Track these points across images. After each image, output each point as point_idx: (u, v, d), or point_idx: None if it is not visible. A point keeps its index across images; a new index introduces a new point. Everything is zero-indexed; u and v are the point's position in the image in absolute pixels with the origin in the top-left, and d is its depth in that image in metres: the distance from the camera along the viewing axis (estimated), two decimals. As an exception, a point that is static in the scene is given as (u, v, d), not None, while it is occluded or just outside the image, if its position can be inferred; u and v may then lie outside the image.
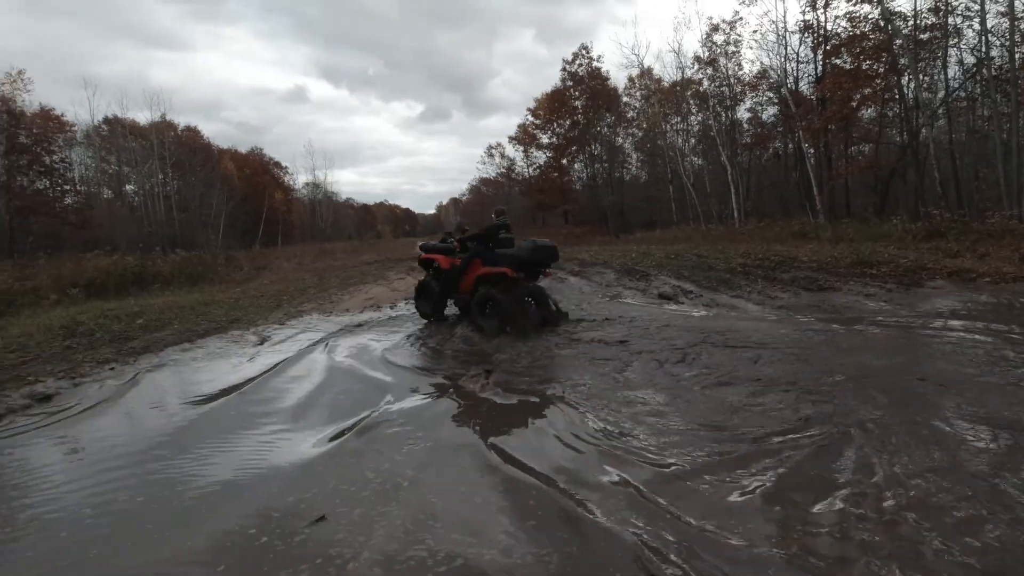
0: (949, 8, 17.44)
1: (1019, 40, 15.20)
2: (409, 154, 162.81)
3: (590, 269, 10.39)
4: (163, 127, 36.19)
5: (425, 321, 7.15)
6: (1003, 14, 15.82)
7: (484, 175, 55.91)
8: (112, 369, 5.18)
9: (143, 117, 36.59)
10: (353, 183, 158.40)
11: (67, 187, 33.84)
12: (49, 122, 32.15)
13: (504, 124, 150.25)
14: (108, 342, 6.44)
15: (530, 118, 44.69)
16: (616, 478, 2.65)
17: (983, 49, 16.41)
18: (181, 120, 45.38)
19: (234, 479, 2.85)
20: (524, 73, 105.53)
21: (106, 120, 35.04)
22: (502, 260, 6.39)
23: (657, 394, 3.84)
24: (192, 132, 43.30)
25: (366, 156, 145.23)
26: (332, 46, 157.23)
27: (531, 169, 47.23)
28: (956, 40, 18.05)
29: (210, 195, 36.91)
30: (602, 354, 4.97)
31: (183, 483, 2.83)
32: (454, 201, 78.86)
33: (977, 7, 16.23)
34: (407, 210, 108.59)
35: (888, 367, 4.18)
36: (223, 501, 2.61)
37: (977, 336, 5.06)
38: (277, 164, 55.18)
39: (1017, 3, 15.06)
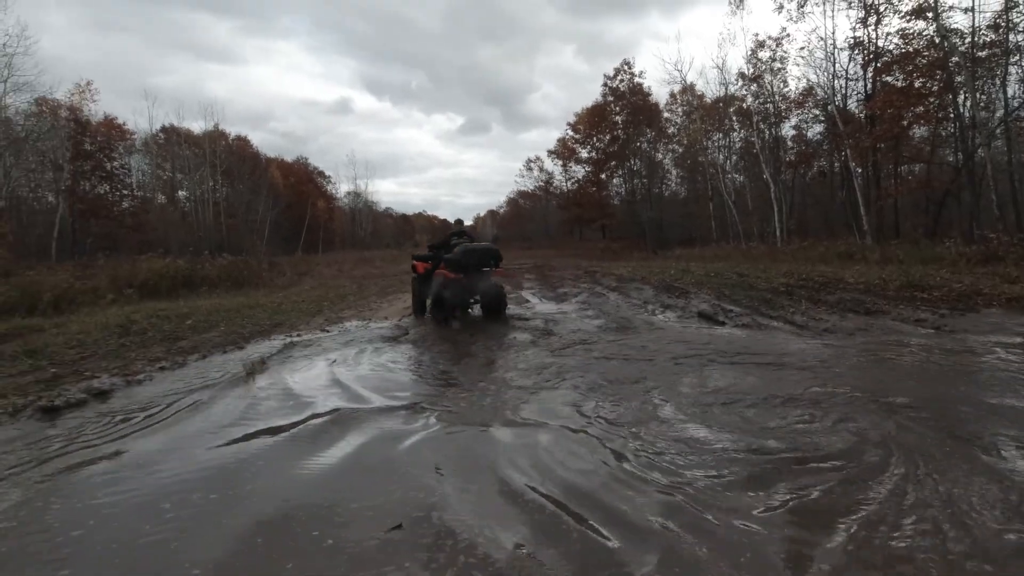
0: (1010, 25, 16.81)
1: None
2: (449, 166, 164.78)
3: (628, 285, 10.32)
4: (215, 136, 37.87)
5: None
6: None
7: (522, 188, 56.39)
8: (162, 368, 5.39)
9: (197, 126, 38.44)
10: (393, 193, 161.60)
11: (125, 192, 35.66)
12: (112, 130, 34.06)
13: (543, 138, 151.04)
14: (159, 341, 6.72)
15: (570, 132, 44.95)
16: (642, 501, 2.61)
17: (1047, 67, 15.76)
18: (232, 130, 47.56)
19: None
20: (564, 88, 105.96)
21: (163, 129, 37.04)
22: (445, 264, 7.63)
23: (686, 415, 3.77)
24: (242, 141, 45.14)
25: (406, 167, 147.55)
26: (377, 60, 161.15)
27: (569, 183, 47.38)
28: (1017, 57, 17.37)
29: (256, 202, 38.30)
30: (629, 372, 4.92)
31: (257, 479, 2.87)
32: (492, 213, 79.58)
33: (1041, 23, 15.62)
34: (445, 220, 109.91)
35: (936, 394, 4.01)
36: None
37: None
38: (320, 173, 56.94)
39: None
